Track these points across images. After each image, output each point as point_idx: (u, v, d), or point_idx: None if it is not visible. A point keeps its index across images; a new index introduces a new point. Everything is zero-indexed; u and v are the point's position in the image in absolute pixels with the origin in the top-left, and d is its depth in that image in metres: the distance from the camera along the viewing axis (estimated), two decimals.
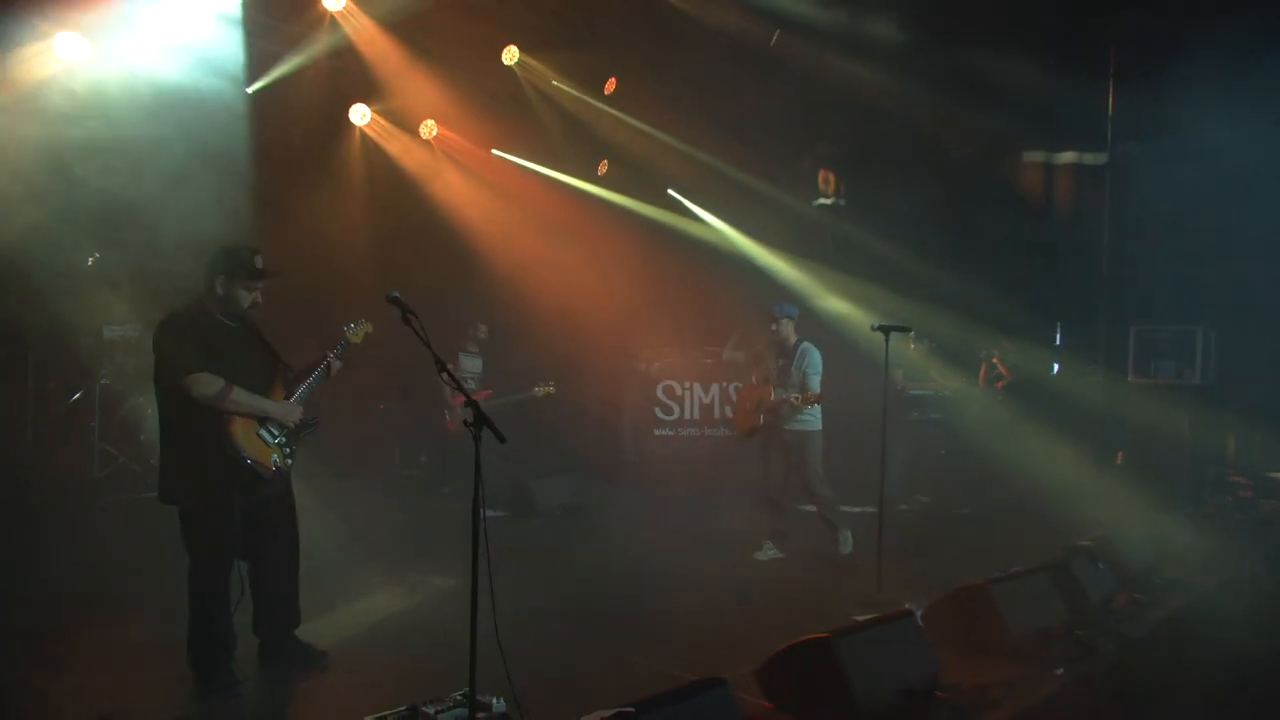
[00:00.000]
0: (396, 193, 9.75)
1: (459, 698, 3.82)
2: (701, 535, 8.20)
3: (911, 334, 8.65)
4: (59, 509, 6.99)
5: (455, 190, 10.11)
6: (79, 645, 4.76)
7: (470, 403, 3.44)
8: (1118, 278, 10.44)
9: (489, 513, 8.21)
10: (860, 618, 5.32)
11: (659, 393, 10.53)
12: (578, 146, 11.26)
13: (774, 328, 7.51)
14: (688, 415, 10.63)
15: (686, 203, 12.68)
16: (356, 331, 4.92)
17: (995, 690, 4.39)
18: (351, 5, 8.90)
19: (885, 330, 6.18)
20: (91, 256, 7.65)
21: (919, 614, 5.26)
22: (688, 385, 10.66)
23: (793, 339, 7.52)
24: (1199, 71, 9.47)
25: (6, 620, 4.97)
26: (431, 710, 3.71)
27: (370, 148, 9.72)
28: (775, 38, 11.69)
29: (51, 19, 7.64)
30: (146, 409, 7.66)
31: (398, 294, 3.78)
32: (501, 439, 3.33)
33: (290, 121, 9.24)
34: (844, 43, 11.67)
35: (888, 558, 6.56)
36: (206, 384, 4.08)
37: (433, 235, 9.86)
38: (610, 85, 11.35)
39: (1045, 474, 9.51)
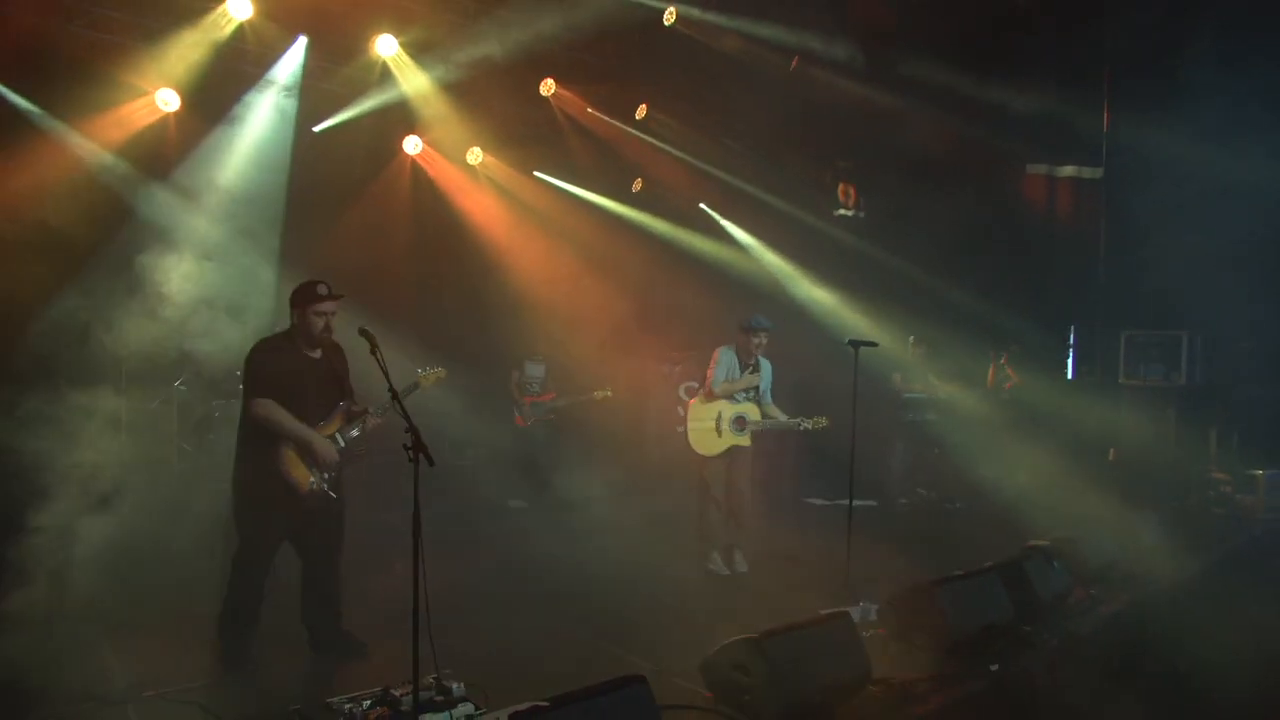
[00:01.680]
0: (447, 215, 10.04)
1: (431, 680, 4.08)
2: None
3: (908, 341, 8.54)
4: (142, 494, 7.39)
5: (499, 211, 10.36)
6: (126, 618, 5.12)
7: (411, 429, 3.61)
8: (1111, 285, 10.18)
9: (513, 503, 8.51)
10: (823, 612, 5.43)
11: (681, 393, 10.64)
12: (612, 167, 11.42)
13: (758, 340, 6.99)
14: None
15: (716, 217, 12.73)
16: (428, 375, 5.18)
17: (924, 685, 4.46)
18: (402, 53, 9.25)
19: (855, 345, 6.21)
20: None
21: (874, 610, 5.38)
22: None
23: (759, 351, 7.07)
24: (1185, 88, 9.23)
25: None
26: (398, 693, 3.96)
27: (421, 174, 10.03)
28: (794, 64, 11.71)
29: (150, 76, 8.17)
30: (214, 413, 8.16)
31: (366, 328, 4.02)
32: (431, 463, 3.53)
33: (351, 154, 9.60)
34: (856, 65, 11.67)
35: (879, 552, 6.76)
36: (265, 408, 4.42)
37: (486, 254, 10.12)
38: (641, 110, 11.50)
39: (1034, 472, 9.41)
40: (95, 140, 7.95)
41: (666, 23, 10.32)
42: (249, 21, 8.15)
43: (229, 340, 7.17)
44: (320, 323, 4.61)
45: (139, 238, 7.94)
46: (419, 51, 9.36)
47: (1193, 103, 9.21)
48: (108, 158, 8.06)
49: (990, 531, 7.97)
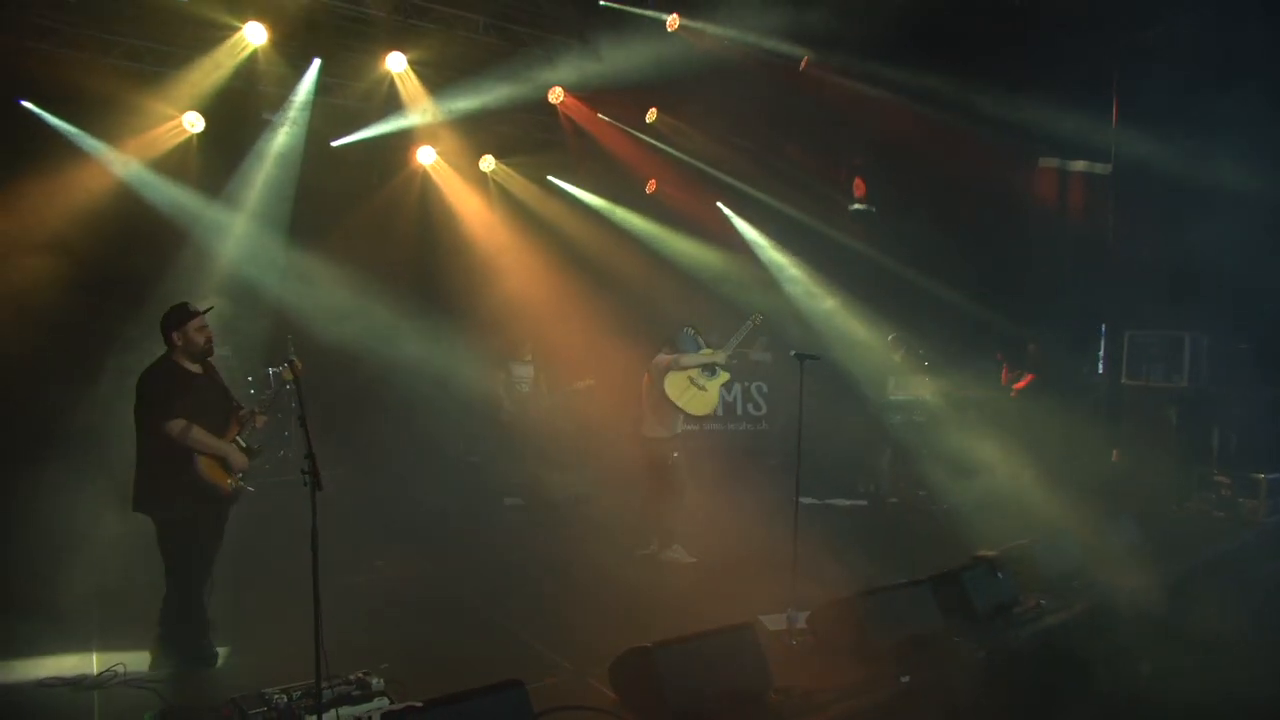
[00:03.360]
0: (454, 222, 10.32)
1: (356, 677, 4.35)
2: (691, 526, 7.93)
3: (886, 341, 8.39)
4: None
5: (507, 218, 10.60)
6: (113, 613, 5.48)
7: (310, 455, 3.84)
8: (1117, 284, 9.83)
9: (509, 500, 8.72)
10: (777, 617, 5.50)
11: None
12: (623, 172, 11.52)
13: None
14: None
15: (730, 215, 12.72)
16: (286, 371, 5.35)
17: (826, 695, 4.52)
18: (409, 70, 9.53)
19: (800, 358, 6.21)
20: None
21: (803, 617, 5.42)
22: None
23: None
24: (1193, 86, 8.85)
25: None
26: (325, 686, 4.23)
27: (431, 184, 10.32)
28: (804, 63, 11.59)
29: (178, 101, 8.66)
30: (257, 418, 8.60)
31: (293, 359, 4.30)
32: (320, 488, 3.76)
33: (363, 167, 9.97)
34: (868, 61, 11.48)
35: (851, 553, 6.92)
36: (179, 428, 4.65)
37: (487, 259, 10.38)
38: (651, 114, 11.56)
39: (1029, 473, 9.21)
40: (131, 160, 8.47)
41: (670, 29, 10.36)
42: (264, 47, 8.56)
43: None
44: (201, 337, 4.86)
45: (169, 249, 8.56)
46: (428, 67, 9.65)
47: (1201, 101, 8.85)
48: (142, 175, 8.58)
49: (967, 534, 7.85)
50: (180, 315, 4.81)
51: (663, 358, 7.40)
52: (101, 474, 6.50)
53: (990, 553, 6.05)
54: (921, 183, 11.55)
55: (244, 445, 5.00)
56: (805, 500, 9.22)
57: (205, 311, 4.88)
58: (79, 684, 4.56)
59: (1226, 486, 8.75)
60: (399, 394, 9.44)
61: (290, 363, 4.62)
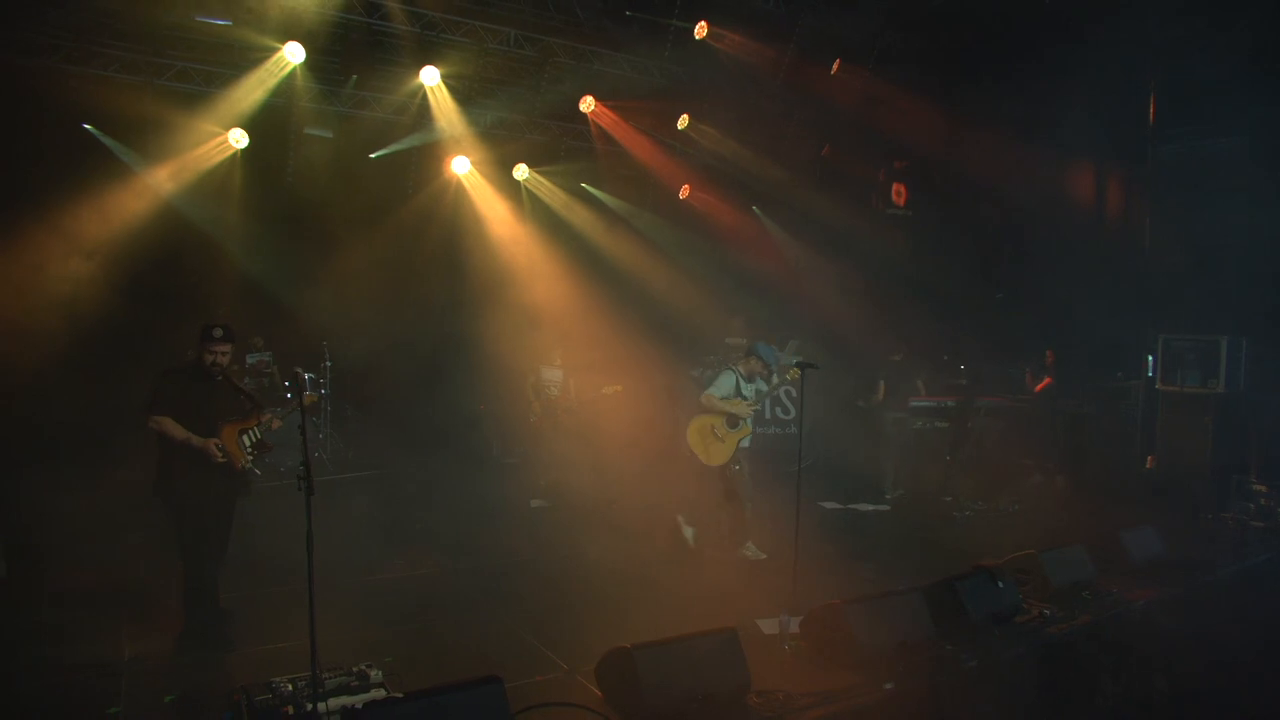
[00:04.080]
0: (489, 228, 10.62)
1: (358, 669, 4.62)
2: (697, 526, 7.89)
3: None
4: None
5: (537, 226, 10.87)
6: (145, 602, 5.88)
7: (306, 462, 4.12)
8: (1151, 287, 9.59)
9: (534, 502, 8.96)
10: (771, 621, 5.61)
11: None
12: (655, 177, 11.68)
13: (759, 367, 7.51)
14: None
15: (767, 220, 12.76)
16: (309, 397, 5.80)
17: (804, 699, 4.62)
18: (443, 83, 9.86)
19: (802, 367, 6.28)
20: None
21: (796, 622, 5.51)
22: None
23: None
24: (1228, 84, 8.61)
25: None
26: (328, 675, 4.51)
27: (468, 192, 10.64)
28: (835, 67, 11.59)
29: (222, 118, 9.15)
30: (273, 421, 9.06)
31: (299, 371, 4.60)
32: (312, 492, 4.04)
33: (403, 175, 10.34)
34: (900, 64, 11.43)
35: (861, 558, 7.06)
36: (158, 424, 5.11)
37: (523, 262, 10.66)
38: (683, 121, 11.68)
39: (1057, 480, 9.08)
40: (180, 174, 8.98)
41: (698, 36, 10.48)
42: (303, 65, 8.97)
43: None
44: (210, 359, 5.28)
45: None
46: (461, 80, 9.96)
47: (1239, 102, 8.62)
48: (191, 188, 9.09)
49: (986, 540, 7.81)
50: (202, 334, 5.27)
51: (704, 397, 7.41)
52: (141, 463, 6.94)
53: (991, 562, 6.03)
54: (955, 186, 11.46)
55: (258, 437, 5.43)
56: (828, 504, 9.39)
57: (221, 338, 5.26)
58: (107, 668, 4.94)
59: (1265, 495, 8.48)
60: (439, 396, 9.79)
61: (303, 395, 5.04)
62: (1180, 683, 5.68)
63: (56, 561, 6.32)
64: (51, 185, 8.14)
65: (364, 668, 4.65)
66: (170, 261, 8.59)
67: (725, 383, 7.43)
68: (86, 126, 8.69)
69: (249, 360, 8.89)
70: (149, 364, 8.23)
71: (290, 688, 4.44)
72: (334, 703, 4.27)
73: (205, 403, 5.26)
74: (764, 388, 7.58)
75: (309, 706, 4.20)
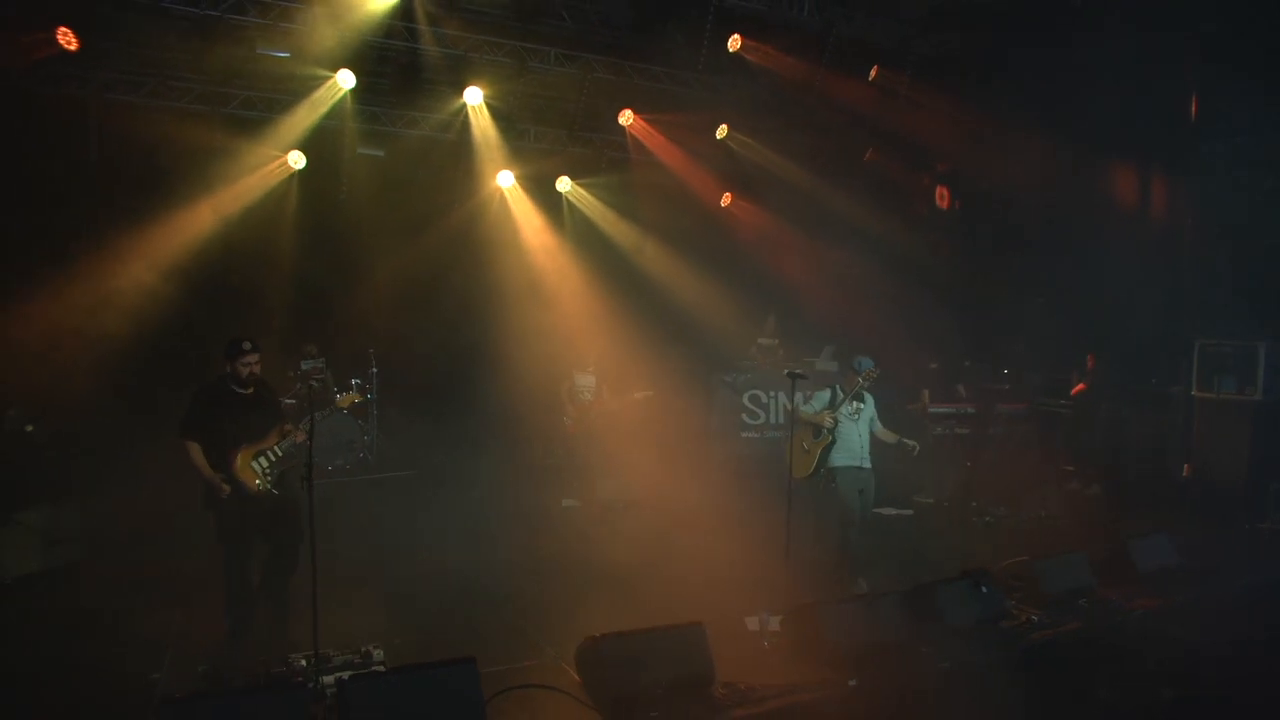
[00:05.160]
0: (532, 239, 11.18)
1: (365, 649, 5.20)
2: (719, 526, 8.14)
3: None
4: None
5: (582, 233, 11.39)
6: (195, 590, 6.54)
7: (308, 465, 4.68)
8: (1188, 290, 9.41)
9: (566, 502, 9.46)
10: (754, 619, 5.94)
11: (746, 400, 11.12)
12: (694, 188, 12.01)
13: (860, 379, 7.23)
14: (772, 420, 11.13)
15: (805, 228, 12.89)
16: (345, 398, 6.36)
17: (767, 690, 4.95)
18: (485, 102, 10.46)
19: (792, 376, 6.54)
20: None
21: (776, 620, 5.82)
22: (772, 394, 11.15)
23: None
24: (1272, 78, 8.43)
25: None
26: (332, 653, 5.09)
27: (511, 204, 11.24)
28: (874, 73, 11.68)
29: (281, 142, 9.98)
30: (296, 434, 9.80)
31: (308, 361, 5.16)
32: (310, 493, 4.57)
33: (449, 190, 10.99)
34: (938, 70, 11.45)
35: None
36: (187, 450, 5.61)
37: (563, 271, 11.19)
38: (721, 131, 11.98)
39: (1091, 487, 9.05)
40: (243, 194, 9.83)
41: (732, 49, 10.76)
42: (354, 89, 9.69)
43: None
44: (245, 371, 5.78)
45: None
46: (504, 99, 10.53)
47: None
48: (252, 208, 9.92)
49: (1003, 546, 7.92)
50: (232, 348, 5.78)
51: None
52: None
53: (977, 567, 6.20)
54: (994, 188, 11.41)
55: (279, 455, 5.85)
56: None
57: (251, 350, 5.80)
58: (154, 644, 5.66)
59: None
60: (480, 400, 10.40)
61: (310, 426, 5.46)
62: (1159, 692, 5.76)
63: (124, 551, 7.15)
64: (129, 209, 9.06)
65: (369, 648, 5.25)
66: (234, 274, 9.44)
67: (821, 396, 7.39)
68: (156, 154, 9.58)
69: (303, 366, 9.65)
70: (216, 359, 9.22)
71: (303, 663, 5.06)
72: (336, 676, 4.85)
73: (230, 421, 5.70)
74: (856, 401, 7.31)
75: (313, 678, 4.79)
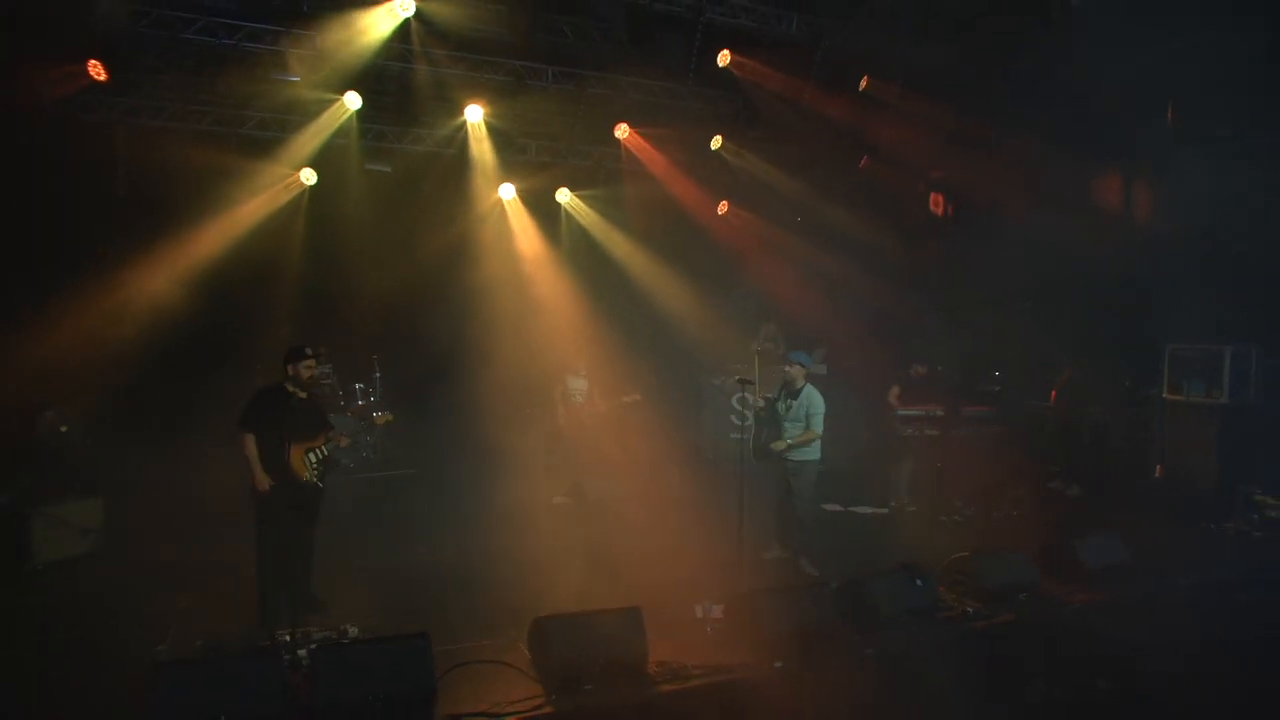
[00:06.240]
0: (531, 249, 11.85)
1: (343, 627, 5.88)
2: (699, 521, 8.49)
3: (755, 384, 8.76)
4: None
5: (579, 243, 12.02)
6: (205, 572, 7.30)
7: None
8: (1162, 294, 9.72)
9: (557, 499, 10.10)
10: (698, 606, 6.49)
11: (734, 403, 11.62)
12: (690, 197, 12.56)
13: (786, 370, 8.13)
14: None
15: (799, 235, 13.32)
16: (381, 417, 7.10)
17: (697, 670, 5.51)
18: (485, 119, 11.14)
19: (742, 383, 7.08)
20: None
21: (718, 609, 6.37)
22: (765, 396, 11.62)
23: (800, 383, 8.12)
24: (1243, 87, 8.75)
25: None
26: (312, 631, 5.77)
27: (511, 215, 11.92)
28: (864, 83, 12.10)
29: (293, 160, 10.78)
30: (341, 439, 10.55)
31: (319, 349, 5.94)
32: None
33: (452, 202, 11.70)
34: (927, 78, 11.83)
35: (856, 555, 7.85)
36: (243, 441, 6.29)
37: (559, 280, 11.83)
38: (716, 141, 12.51)
39: (1071, 488, 9.42)
40: (258, 209, 10.65)
41: (721, 64, 11.28)
42: (361, 109, 10.44)
43: None
44: (307, 373, 6.53)
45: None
46: (503, 117, 11.19)
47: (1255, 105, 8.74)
48: (264, 223, 10.75)
49: (954, 544, 8.31)
50: (296, 354, 6.50)
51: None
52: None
53: (914, 561, 6.68)
54: (981, 195, 11.77)
55: (325, 453, 6.61)
56: (830, 506, 10.07)
57: (317, 356, 6.54)
58: (161, 619, 6.41)
59: (1271, 506, 8.59)
60: (479, 402, 11.06)
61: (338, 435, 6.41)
62: (1094, 683, 6.19)
63: (141, 541, 7.96)
64: (151, 224, 9.92)
65: (346, 627, 5.93)
66: (247, 285, 10.25)
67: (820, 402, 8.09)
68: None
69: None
70: (230, 364, 10.04)
71: (287, 637, 5.74)
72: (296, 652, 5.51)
73: (285, 421, 6.33)
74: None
75: (293, 651, 5.48)
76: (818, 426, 7.98)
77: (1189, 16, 9.17)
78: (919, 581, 6.52)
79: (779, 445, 8.03)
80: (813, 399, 8.01)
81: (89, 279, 9.55)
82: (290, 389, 6.53)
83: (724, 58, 11.23)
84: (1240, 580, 7.53)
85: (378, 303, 10.84)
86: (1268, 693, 5.90)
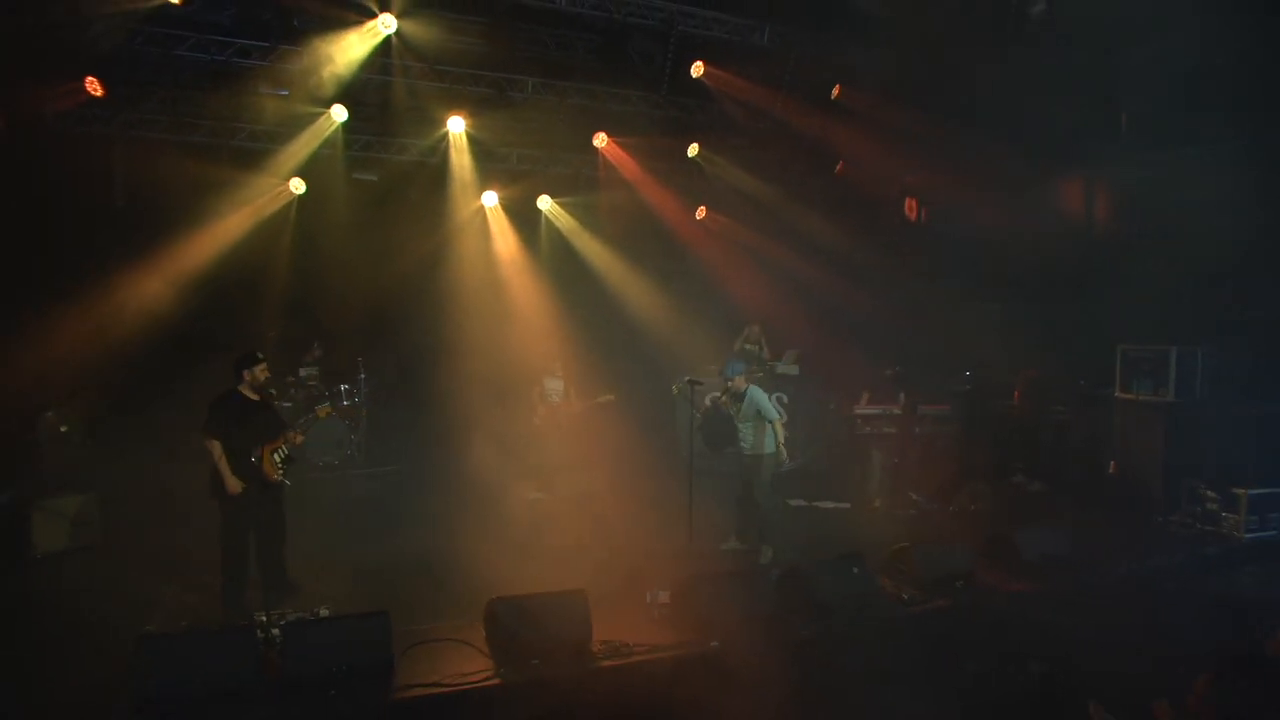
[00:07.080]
0: (511, 253, 12.41)
1: (315, 610, 6.42)
2: (662, 515, 9.05)
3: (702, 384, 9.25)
4: None
5: (558, 248, 12.58)
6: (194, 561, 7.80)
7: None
8: (1114, 296, 10.17)
9: (532, 495, 10.64)
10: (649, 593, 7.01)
11: (708, 402, 12.12)
12: (667, 204, 13.08)
13: (729, 385, 8.61)
14: None
15: (774, 240, 13.78)
16: (322, 409, 7.65)
17: (638, 648, 6.03)
18: (467, 129, 11.68)
19: (690, 384, 7.60)
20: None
21: (665, 594, 6.87)
22: None
23: (742, 387, 8.59)
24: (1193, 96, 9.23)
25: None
26: (287, 612, 6.31)
27: (493, 221, 12.48)
28: (836, 91, 12.58)
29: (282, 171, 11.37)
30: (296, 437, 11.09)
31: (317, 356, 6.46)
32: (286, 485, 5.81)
33: (436, 209, 12.26)
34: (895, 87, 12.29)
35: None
36: (211, 446, 6.80)
37: (538, 284, 12.39)
38: (693, 149, 13.02)
39: (1034, 484, 9.90)
40: (249, 218, 11.24)
41: (695, 75, 11.78)
42: (346, 121, 11.00)
43: None
44: (263, 376, 7.08)
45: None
46: (485, 129, 11.74)
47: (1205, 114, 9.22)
48: (255, 231, 11.34)
49: (902, 535, 8.80)
50: (250, 359, 7.02)
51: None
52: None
53: (853, 551, 7.18)
54: (951, 202, 12.23)
55: (286, 454, 7.14)
56: (795, 502, 10.58)
57: (263, 359, 7.07)
58: (151, 601, 6.99)
59: (1213, 501, 9.03)
60: (460, 401, 11.61)
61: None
62: (1026, 665, 6.65)
63: (134, 532, 8.54)
64: (147, 232, 10.52)
65: (318, 609, 6.45)
66: (237, 290, 10.85)
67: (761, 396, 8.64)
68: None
69: (301, 374, 11.02)
70: (221, 366, 10.60)
71: (264, 618, 6.29)
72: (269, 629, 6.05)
73: (245, 425, 6.88)
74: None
75: (267, 628, 6.03)
76: (770, 414, 8.48)
77: (1140, 27, 9.64)
78: (855, 570, 7.01)
79: (781, 453, 8.57)
80: (754, 395, 8.53)
81: (88, 285, 10.16)
82: (245, 393, 7.05)
83: (697, 69, 11.74)
84: (1171, 569, 7.98)
85: (363, 305, 11.41)
86: (1176, 661, 6.34)
